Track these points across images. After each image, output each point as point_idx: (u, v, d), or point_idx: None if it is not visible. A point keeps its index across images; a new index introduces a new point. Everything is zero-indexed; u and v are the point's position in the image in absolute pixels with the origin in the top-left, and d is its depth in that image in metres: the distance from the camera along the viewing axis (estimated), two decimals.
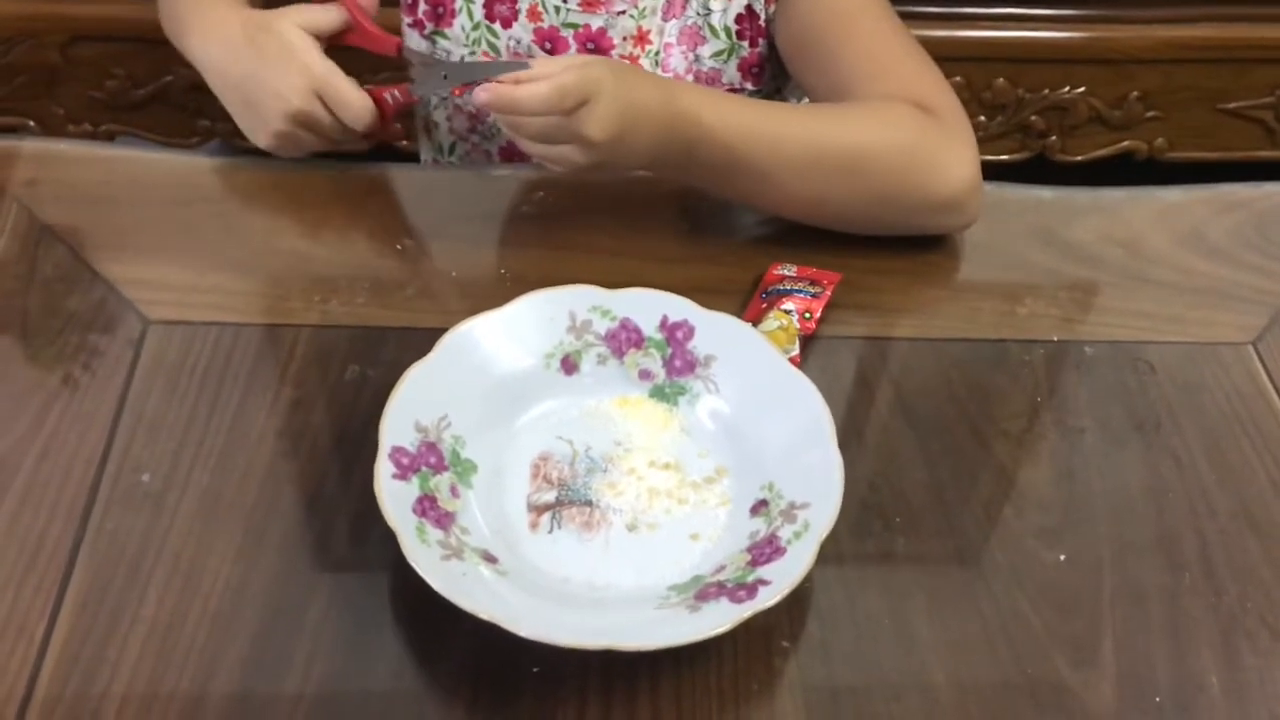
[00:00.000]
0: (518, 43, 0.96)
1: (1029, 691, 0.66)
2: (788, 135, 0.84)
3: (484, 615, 0.61)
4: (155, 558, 0.68)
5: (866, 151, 0.85)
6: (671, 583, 0.68)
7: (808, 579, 0.65)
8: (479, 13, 0.96)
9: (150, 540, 0.69)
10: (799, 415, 0.72)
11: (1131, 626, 0.69)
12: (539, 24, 0.95)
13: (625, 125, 0.79)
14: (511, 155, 1.01)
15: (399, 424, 0.69)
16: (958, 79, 1.39)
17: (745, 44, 0.97)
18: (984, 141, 1.42)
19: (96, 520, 0.69)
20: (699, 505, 0.72)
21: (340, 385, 0.77)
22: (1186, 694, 0.66)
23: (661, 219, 0.90)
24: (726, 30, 0.96)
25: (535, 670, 0.64)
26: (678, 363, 0.76)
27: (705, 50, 0.97)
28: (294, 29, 0.88)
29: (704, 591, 0.66)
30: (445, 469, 0.70)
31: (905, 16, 0.94)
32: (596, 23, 0.95)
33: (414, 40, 0.99)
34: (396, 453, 0.68)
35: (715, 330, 0.76)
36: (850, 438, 0.76)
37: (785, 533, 0.67)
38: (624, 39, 0.95)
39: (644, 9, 0.95)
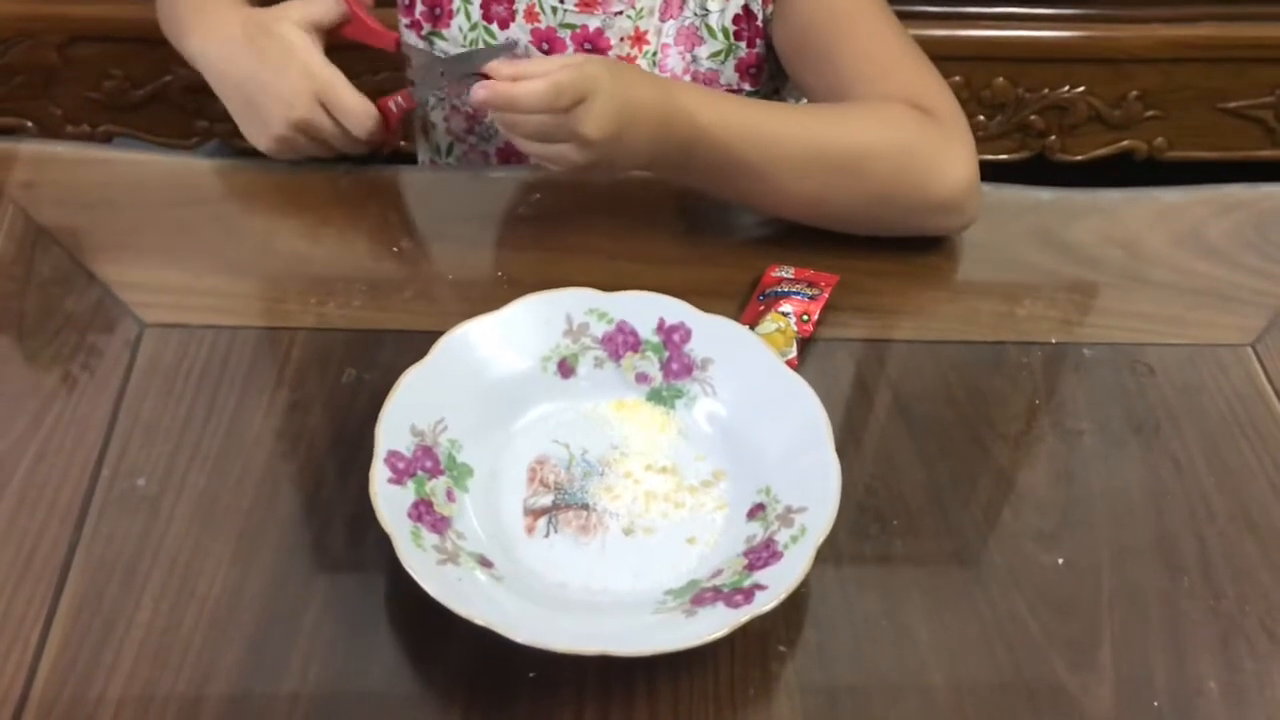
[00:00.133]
0: (515, 43, 0.96)
1: (1027, 694, 0.66)
2: (785, 135, 0.84)
3: (480, 621, 0.61)
4: (151, 561, 0.68)
5: (865, 152, 0.85)
6: (668, 587, 0.67)
7: (805, 583, 0.65)
8: (476, 13, 0.96)
9: (146, 543, 0.69)
10: (796, 418, 0.72)
11: (1130, 629, 0.68)
12: (536, 24, 0.95)
13: (622, 124, 0.79)
14: (509, 156, 1.01)
15: (394, 428, 0.69)
16: (957, 78, 1.39)
17: (743, 44, 0.96)
18: (984, 141, 1.43)
19: (92, 523, 0.69)
20: (696, 509, 0.71)
21: (337, 388, 0.77)
22: (1185, 697, 0.66)
23: (658, 221, 0.90)
24: (724, 31, 0.96)
25: (532, 675, 0.64)
26: (675, 366, 0.76)
27: (703, 51, 0.96)
28: (296, 31, 0.87)
29: (700, 596, 0.66)
30: (441, 473, 0.70)
31: (905, 16, 0.93)
32: (594, 23, 0.95)
33: (411, 40, 0.99)
34: (392, 457, 0.68)
35: (712, 333, 0.76)
36: (848, 441, 0.76)
37: (782, 537, 0.67)
38: (621, 39, 0.95)
39: (641, 9, 0.94)
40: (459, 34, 0.97)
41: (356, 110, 0.87)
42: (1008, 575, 0.70)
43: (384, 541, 0.64)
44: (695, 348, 0.76)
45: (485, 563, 0.67)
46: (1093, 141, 1.48)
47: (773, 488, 0.70)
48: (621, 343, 0.77)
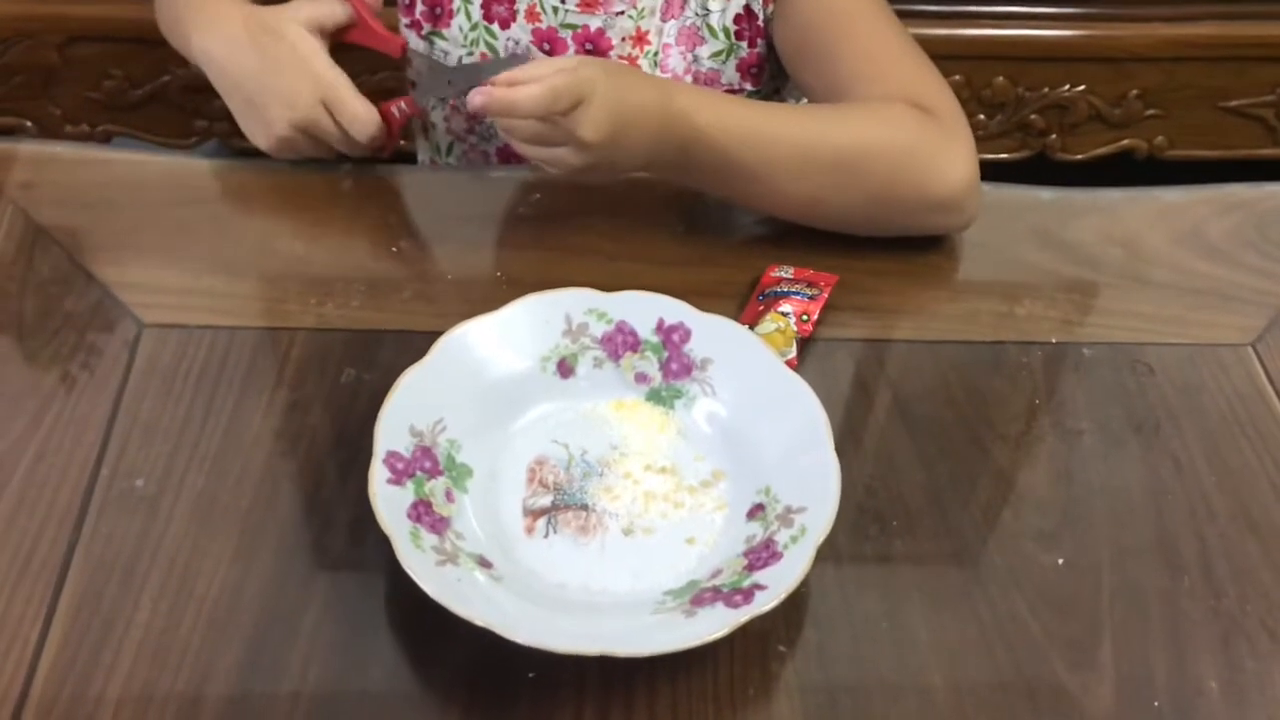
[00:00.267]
0: (516, 43, 0.96)
1: (1027, 694, 0.65)
2: (785, 135, 0.84)
3: (479, 622, 0.61)
4: (150, 561, 0.68)
5: (864, 151, 0.85)
6: (668, 587, 0.67)
7: (804, 583, 0.65)
8: (477, 13, 0.96)
9: (145, 544, 0.69)
10: (796, 418, 0.72)
11: (1130, 629, 0.68)
12: (537, 25, 0.95)
13: (619, 126, 0.79)
14: (509, 156, 1.01)
15: (394, 428, 0.69)
16: (957, 77, 1.38)
17: (744, 44, 0.96)
18: (984, 140, 1.43)
19: (91, 523, 0.69)
20: (695, 509, 0.71)
21: (336, 388, 0.77)
22: (1185, 697, 0.66)
23: (658, 221, 0.90)
24: (725, 31, 0.96)
25: (531, 675, 0.64)
26: (674, 366, 0.76)
27: (704, 51, 0.96)
28: (300, 32, 0.87)
29: (700, 596, 0.66)
30: (440, 473, 0.70)
31: (905, 15, 0.93)
32: (595, 23, 0.95)
33: (411, 41, 0.99)
34: (391, 457, 0.68)
35: (712, 333, 0.76)
36: (847, 441, 0.76)
37: (782, 537, 0.67)
38: (622, 39, 0.95)
39: (642, 9, 0.94)
40: (459, 34, 0.97)
41: (360, 115, 0.87)
42: (1008, 575, 0.70)
43: (383, 542, 0.64)
44: (695, 348, 0.76)
45: (484, 563, 0.67)
46: (1093, 140, 1.48)
47: (772, 488, 0.70)
48: (621, 343, 0.77)
